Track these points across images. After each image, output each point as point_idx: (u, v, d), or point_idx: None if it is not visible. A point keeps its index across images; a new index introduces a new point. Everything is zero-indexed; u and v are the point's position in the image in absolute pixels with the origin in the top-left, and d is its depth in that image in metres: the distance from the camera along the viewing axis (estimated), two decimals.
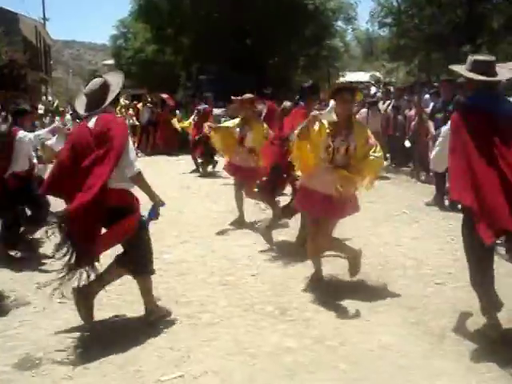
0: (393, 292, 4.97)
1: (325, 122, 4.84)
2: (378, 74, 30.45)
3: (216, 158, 12.51)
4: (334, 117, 4.86)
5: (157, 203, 4.33)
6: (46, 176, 6.74)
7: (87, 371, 3.67)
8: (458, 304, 4.62)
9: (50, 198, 6.03)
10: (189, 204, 9.09)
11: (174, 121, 16.31)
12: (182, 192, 10.35)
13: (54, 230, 4.12)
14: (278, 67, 28.08)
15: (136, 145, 15.49)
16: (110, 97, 4.32)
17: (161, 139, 16.92)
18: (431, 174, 10.09)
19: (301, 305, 4.72)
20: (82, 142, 4.15)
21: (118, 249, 4.31)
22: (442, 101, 8.77)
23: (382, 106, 13.16)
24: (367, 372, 3.57)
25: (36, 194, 6.25)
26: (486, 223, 3.69)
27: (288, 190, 7.08)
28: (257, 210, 8.19)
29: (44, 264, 6.01)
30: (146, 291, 4.40)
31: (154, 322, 4.36)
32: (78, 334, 4.22)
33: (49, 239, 4.18)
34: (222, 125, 8.15)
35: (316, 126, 4.78)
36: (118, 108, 15.45)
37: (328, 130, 4.81)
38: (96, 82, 4.36)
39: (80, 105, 4.46)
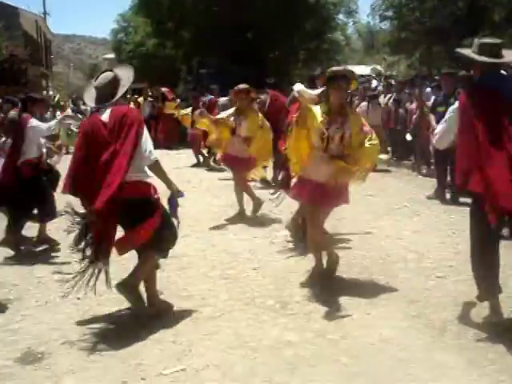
0: (394, 285, 4.98)
1: (319, 110, 4.81)
2: (379, 67, 30.33)
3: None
4: (313, 94, 4.81)
5: (175, 192, 4.35)
6: (56, 167, 6.83)
7: (89, 365, 3.68)
8: (459, 297, 4.62)
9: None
10: (189, 198, 8.99)
11: (177, 111, 16.19)
12: (183, 186, 10.15)
13: (75, 227, 4.17)
14: (278, 61, 28.00)
15: None
16: (121, 91, 4.32)
17: (162, 133, 16.89)
18: (432, 167, 10.10)
19: (302, 298, 4.72)
20: (97, 137, 4.15)
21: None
22: (444, 94, 8.75)
23: (383, 99, 13.14)
24: (368, 365, 3.58)
25: (44, 186, 6.26)
26: (492, 204, 3.72)
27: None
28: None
29: (44, 258, 6.04)
30: (148, 277, 4.41)
31: (156, 315, 4.37)
32: (79, 328, 4.23)
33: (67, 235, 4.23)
34: (217, 116, 8.06)
35: (313, 109, 4.76)
36: None
37: (322, 118, 4.75)
38: (107, 75, 4.35)
39: (89, 97, 4.44)
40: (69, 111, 18.24)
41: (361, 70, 25.79)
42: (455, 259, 5.57)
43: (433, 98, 9.48)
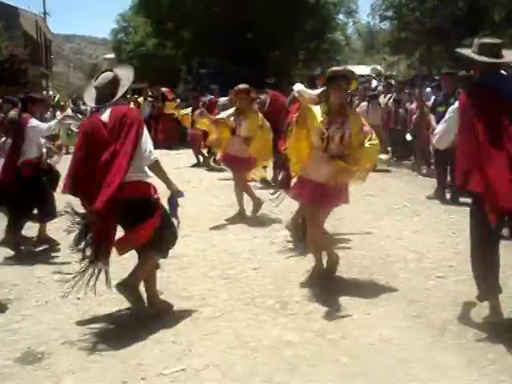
0: (394, 285, 4.97)
1: (319, 110, 4.80)
2: (379, 67, 30.32)
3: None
4: (313, 94, 4.80)
5: (174, 192, 4.36)
6: (56, 167, 6.83)
7: (89, 365, 3.68)
8: (459, 297, 4.62)
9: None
10: (189, 198, 8.98)
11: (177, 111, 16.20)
12: (183, 186, 10.14)
13: (75, 227, 4.17)
14: (278, 61, 28.00)
15: None
16: (121, 91, 4.32)
17: (162, 133, 16.89)
18: (432, 167, 10.10)
19: (302, 298, 4.72)
20: (97, 137, 4.15)
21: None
22: (444, 94, 8.75)
23: (383, 99, 13.14)
24: (368, 365, 3.58)
25: (44, 186, 6.26)
26: (492, 204, 3.73)
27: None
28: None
29: (44, 258, 6.04)
30: (148, 277, 4.42)
31: (155, 315, 4.37)
32: (79, 328, 4.23)
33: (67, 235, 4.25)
34: (217, 116, 8.06)
35: (313, 109, 4.75)
36: None
37: (322, 118, 4.75)
38: (107, 75, 4.35)
39: (89, 97, 4.45)
40: (69, 111, 18.25)
41: (361, 69, 25.78)
42: (455, 259, 5.57)
43: (433, 98, 9.48)
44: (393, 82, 15.56)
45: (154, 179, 4.32)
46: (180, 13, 26.24)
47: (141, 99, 18.19)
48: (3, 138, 6.46)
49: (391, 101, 12.81)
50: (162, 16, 27.13)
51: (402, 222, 7.32)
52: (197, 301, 4.71)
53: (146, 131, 4.22)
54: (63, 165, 7.33)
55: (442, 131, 4.28)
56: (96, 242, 4.15)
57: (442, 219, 7.39)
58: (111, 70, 4.47)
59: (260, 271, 5.46)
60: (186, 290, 4.99)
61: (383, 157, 11.64)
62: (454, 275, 5.17)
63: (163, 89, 17.93)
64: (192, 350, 3.83)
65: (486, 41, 4.12)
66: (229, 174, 8.47)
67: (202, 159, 13.32)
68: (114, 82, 4.31)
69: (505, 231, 4.35)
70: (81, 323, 4.31)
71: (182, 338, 4.01)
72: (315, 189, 4.85)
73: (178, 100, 17.44)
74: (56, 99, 23.88)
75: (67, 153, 12.15)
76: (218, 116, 7.96)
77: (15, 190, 6.01)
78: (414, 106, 11.70)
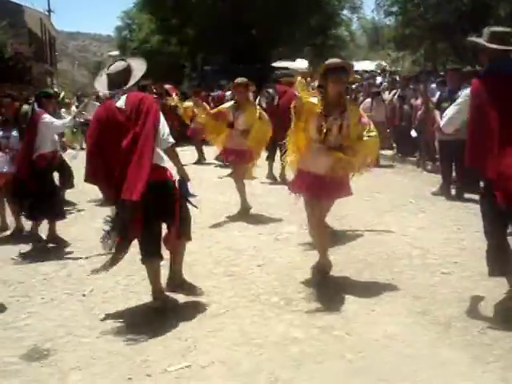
0: (399, 282, 4.96)
1: (315, 101, 4.76)
2: (383, 63, 30.24)
3: None
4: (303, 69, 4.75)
5: (185, 176, 4.51)
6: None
7: (95, 361, 3.69)
8: (464, 293, 4.61)
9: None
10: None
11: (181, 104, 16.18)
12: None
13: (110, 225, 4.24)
14: (282, 57, 27.97)
15: None
16: (133, 80, 4.39)
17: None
18: (437, 163, 10.07)
19: (306, 295, 4.72)
20: (112, 123, 4.20)
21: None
22: (449, 90, 8.70)
23: (387, 95, 13.11)
24: (373, 362, 3.58)
25: (53, 182, 6.33)
26: (503, 188, 3.73)
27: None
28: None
29: (50, 256, 6.05)
30: (181, 260, 4.66)
31: (160, 308, 4.41)
32: (85, 325, 4.24)
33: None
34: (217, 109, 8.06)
35: (310, 101, 4.72)
36: None
37: (319, 110, 4.70)
38: (120, 64, 4.45)
39: (101, 84, 4.53)
40: (73, 109, 18.27)
41: (365, 65, 25.76)
42: (460, 255, 5.55)
43: (438, 93, 9.43)
44: (397, 77, 15.54)
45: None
46: (184, 9, 26.25)
47: None
48: (0, 132, 6.55)
49: (396, 97, 12.78)
50: (166, 13, 27.17)
51: (406, 218, 7.30)
52: (202, 298, 4.72)
53: (161, 116, 4.29)
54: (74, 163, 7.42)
55: (453, 114, 4.27)
56: (126, 229, 4.19)
57: (447, 215, 7.37)
58: (124, 60, 4.53)
59: (265, 268, 5.46)
60: None
61: (388, 153, 11.65)
62: (459, 271, 5.15)
63: (166, 86, 17.92)
64: (197, 347, 3.84)
65: (496, 29, 4.14)
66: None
67: (203, 155, 13.40)
68: (127, 71, 4.40)
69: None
70: (86, 320, 4.33)
71: (186, 335, 4.01)
72: (314, 182, 4.81)
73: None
74: (61, 97, 23.89)
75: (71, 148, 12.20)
76: (221, 107, 8.00)
77: (30, 184, 6.07)
78: (418, 101, 11.67)
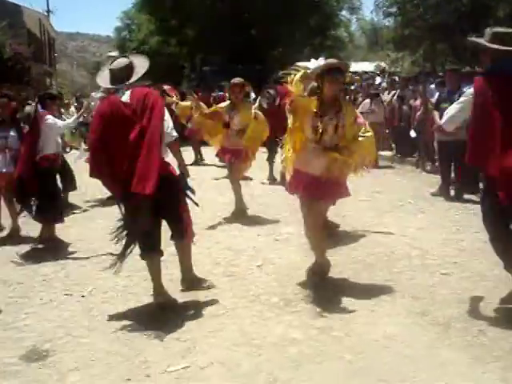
0: (398, 282, 4.96)
1: (311, 101, 4.74)
2: (382, 63, 30.24)
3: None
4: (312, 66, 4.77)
5: (186, 172, 4.52)
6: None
7: (94, 362, 3.69)
8: (463, 294, 4.61)
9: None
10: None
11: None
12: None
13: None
14: (281, 57, 27.99)
15: None
16: (135, 76, 4.41)
17: None
18: (436, 164, 10.07)
19: (306, 296, 4.72)
20: (117, 117, 4.21)
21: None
22: (448, 91, 8.71)
23: (386, 96, 13.11)
24: (372, 362, 3.58)
25: (55, 183, 6.34)
26: (506, 188, 3.74)
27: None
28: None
29: (49, 257, 6.04)
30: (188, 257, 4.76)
31: (161, 303, 4.43)
32: (84, 326, 4.24)
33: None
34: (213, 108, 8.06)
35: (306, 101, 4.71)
36: None
37: (315, 110, 4.69)
38: (122, 60, 4.48)
39: (103, 79, 4.54)
40: (72, 109, 18.29)
41: (364, 66, 25.74)
42: (459, 256, 5.55)
43: (437, 94, 9.44)
44: (397, 78, 15.54)
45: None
46: (183, 10, 26.25)
47: None
48: None
49: (395, 97, 12.79)
50: (165, 13, 27.16)
51: (406, 218, 7.30)
52: (201, 298, 4.72)
53: (166, 110, 4.33)
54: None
55: (455, 112, 4.27)
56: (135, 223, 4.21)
57: (447, 216, 7.37)
58: (127, 57, 4.54)
59: (264, 268, 5.46)
60: None
61: (386, 153, 11.64)
62: (459, 272, 5.15)
63: (165, 86, 17.92)
64: (196, 348, 3.84)
65: (497, 30, 4.14)
66: None
67: (200, 156, 13.41)
68: (129, 67, 4.42)
69: None
70: (85, 321, 4.32)
71: (186, 336, 4.01)
72: (311, 182, 4.79)
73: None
74: None
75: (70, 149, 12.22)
76: (217, 106, 7.99)
77: (32, 184, 6.08)
78: (418, 102, 11.67)
